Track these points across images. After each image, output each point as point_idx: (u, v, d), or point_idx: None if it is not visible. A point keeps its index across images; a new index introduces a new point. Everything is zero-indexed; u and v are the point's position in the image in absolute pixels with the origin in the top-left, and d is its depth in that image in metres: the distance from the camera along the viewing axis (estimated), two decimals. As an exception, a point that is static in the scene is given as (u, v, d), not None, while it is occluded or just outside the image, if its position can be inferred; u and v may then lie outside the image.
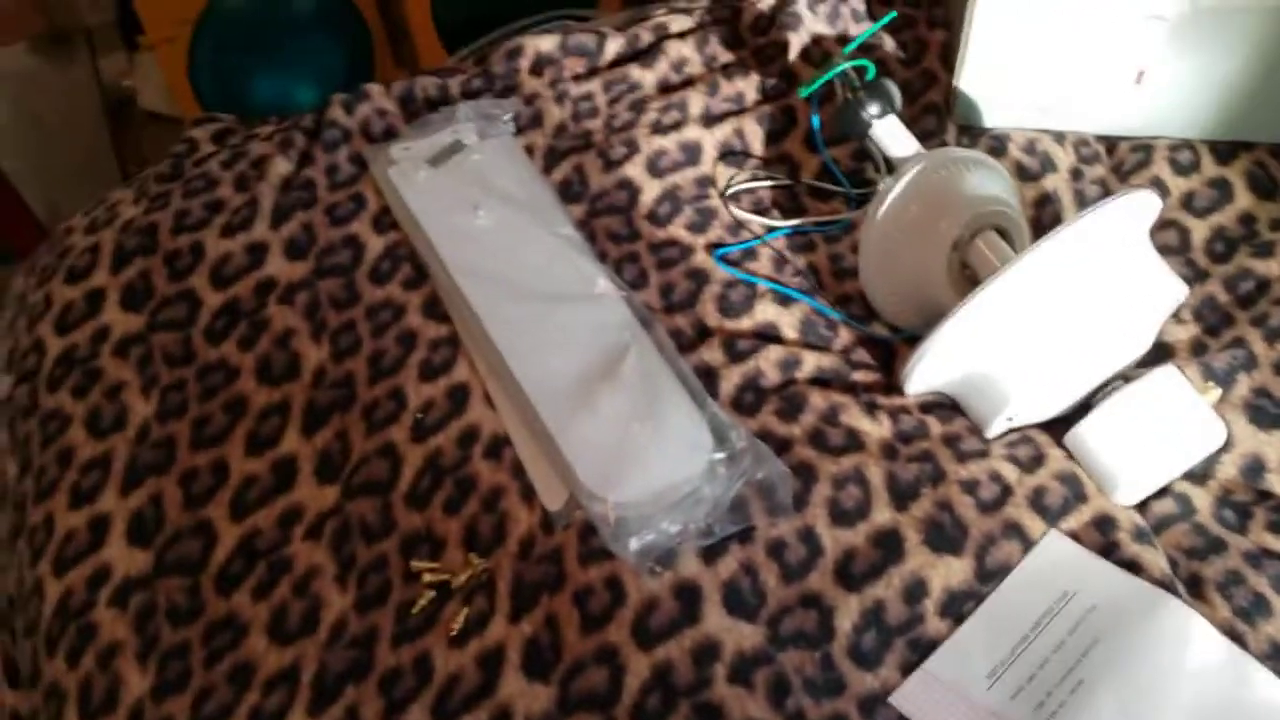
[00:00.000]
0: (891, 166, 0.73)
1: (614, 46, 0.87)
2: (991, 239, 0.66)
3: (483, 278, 0.71)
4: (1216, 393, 0.64)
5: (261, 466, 0.67)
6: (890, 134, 0.71)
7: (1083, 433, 0.62)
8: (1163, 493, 0.63)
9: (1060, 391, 0.63)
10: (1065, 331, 0.61)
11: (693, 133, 0.80)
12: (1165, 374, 0.62)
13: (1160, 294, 0.63)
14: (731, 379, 0.68)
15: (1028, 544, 0.60)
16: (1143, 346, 0.64)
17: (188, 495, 0.66)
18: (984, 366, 0.63)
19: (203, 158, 0.84)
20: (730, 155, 0.80)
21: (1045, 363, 0.61)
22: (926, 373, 0.64)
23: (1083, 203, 0.76)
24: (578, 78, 0.85)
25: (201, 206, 0.79)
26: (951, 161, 0.69)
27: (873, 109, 0.71)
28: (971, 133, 0.80)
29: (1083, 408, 0.63)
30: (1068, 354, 0.61)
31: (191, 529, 0.65)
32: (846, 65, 0.72)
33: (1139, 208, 0.62)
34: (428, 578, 0.61)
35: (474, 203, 0.75)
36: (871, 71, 0.72)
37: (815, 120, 0.78)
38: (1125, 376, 0.63)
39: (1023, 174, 0.78)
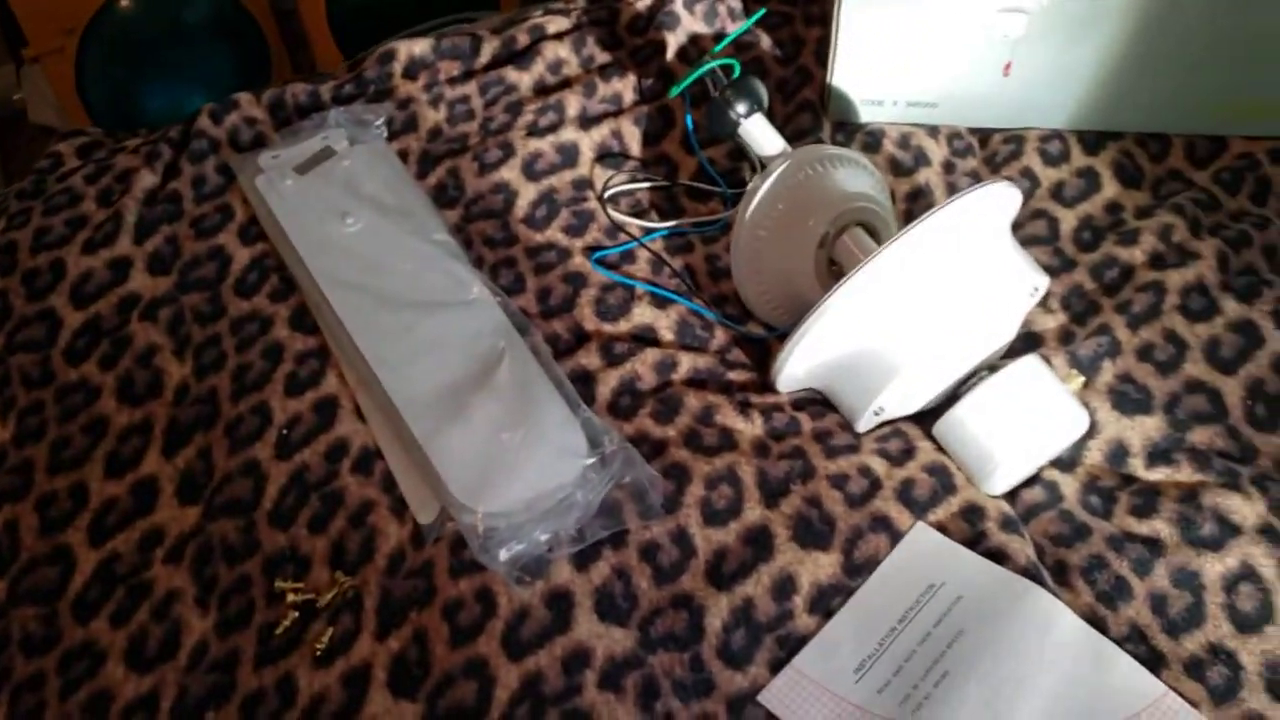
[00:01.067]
0: (764, 165, 0.73)
1: (490, 49, 0.86)
2: (857, 235, 0.66)
3: (351, 287, 0.70)
4: (1080, 380, 0.65)
5: (121, 489, 0.65)
6: (757, 133, 0.71)
7: (948, 424, 0.62)
8: (1032, 481, 0.64)
9: (925, 383, 0.63)
10: (926, 322, 0.61)
11: (569, 134, 0.79)
12: (1027, 364, 0.62)
13: (1023, 284, 0.63)
14: (609, 383, 0.68)
15: (896, 536, 0.60)
16: (1007, 337, 0.65)
17: (44, 521, 0.64)
18: (849, 361, 0.63)
19: (67, 173, 0.81)
20: (608, 157, 0.80)
21: (907, 354, 0.61)
22: (795, 369, 0.64)
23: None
24: (453, 81, 0.84)
25: (63, 223, 0.77)
26: (818, 159, 0.69)
27: (740, 108, 0.70)
28: (847, 129, 0.81)
29: (952, 399, 0.63)
30: (930, 345, 0.61)
31: (48, 555, 0.63)
32: (713, 64, 0.72)
33: (997, 199, 0.62)
34: (292, 598, 0.60)
35: (342, 210, 0.74)
36: (737, 70, 0.72)
37: (689, 120, 0.77)
38: (991, 367, 0.63)
39: (896, 169, 0.78)
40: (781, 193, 0.68)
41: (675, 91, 0.73)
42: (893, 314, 0.61)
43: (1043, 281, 0.64)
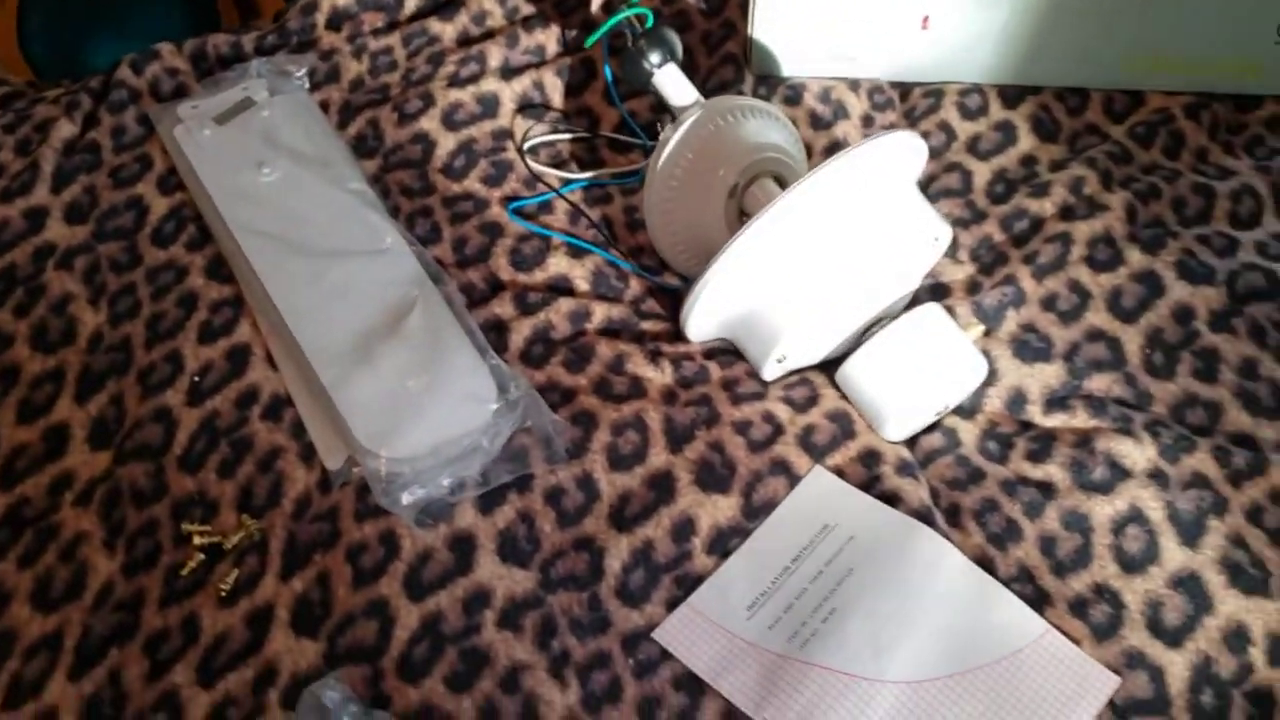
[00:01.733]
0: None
1: (414, 0, 0.85)
2: (767, 185, 0.67)
3: (265, 235, 0.70)
4: (980, 329, 0.66)
5: (33, 435, 0.65)
6: (670, 83, 0.71)
7: (847, 372, 0.63)
8: (933, 428, 0.65)
9: (827, 331, 0.64)
10: (827, 269, 0.61)
11: (491, 85, 0.79)
12: (926, 312, 0.63)
13: (924, 233, 0.64)
14: (522, 331, 0.68)
15: (794, 480, 0.62)
16: (910, 286, 0.66)
17: (-46, 468, 0.64)
18: (753, 308, 0.63)
19: (-14, 122, 0.81)
20: (529, 108, 0.80)
21: (807, 302, 0.62)
22: (702, 317, 0.65)
23: (872, 148, 0.77)
24: (376, 32, 0.84)
25: (-20, 172, 0.76)
26: (730, 110, 0.69)
27: (654, 58, 0.71)
28: (769, 83, 0.81)
29: (855, 348, 0.64)
30: (830, 292, 0.61)
31: (-43, 502, 0.63)
32: (628, 13, 0.72)
33: (899, 148, 0.63)
34: (198, 540, 0.60)
35: (259, 160, 0.74)
36: (651, 20, 0.72)
37: (608, 71, 0.78)
38: (894, 316, 0.64)
39: (816, 122, 0.78)
40: (692, 143, 0.68)
41: (591, 41, 0.73)
42: (793, 261, 0.61)
43: (944, 231, 0.65)
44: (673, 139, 0.68)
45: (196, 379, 0.66)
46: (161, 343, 0.68)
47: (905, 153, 0.64)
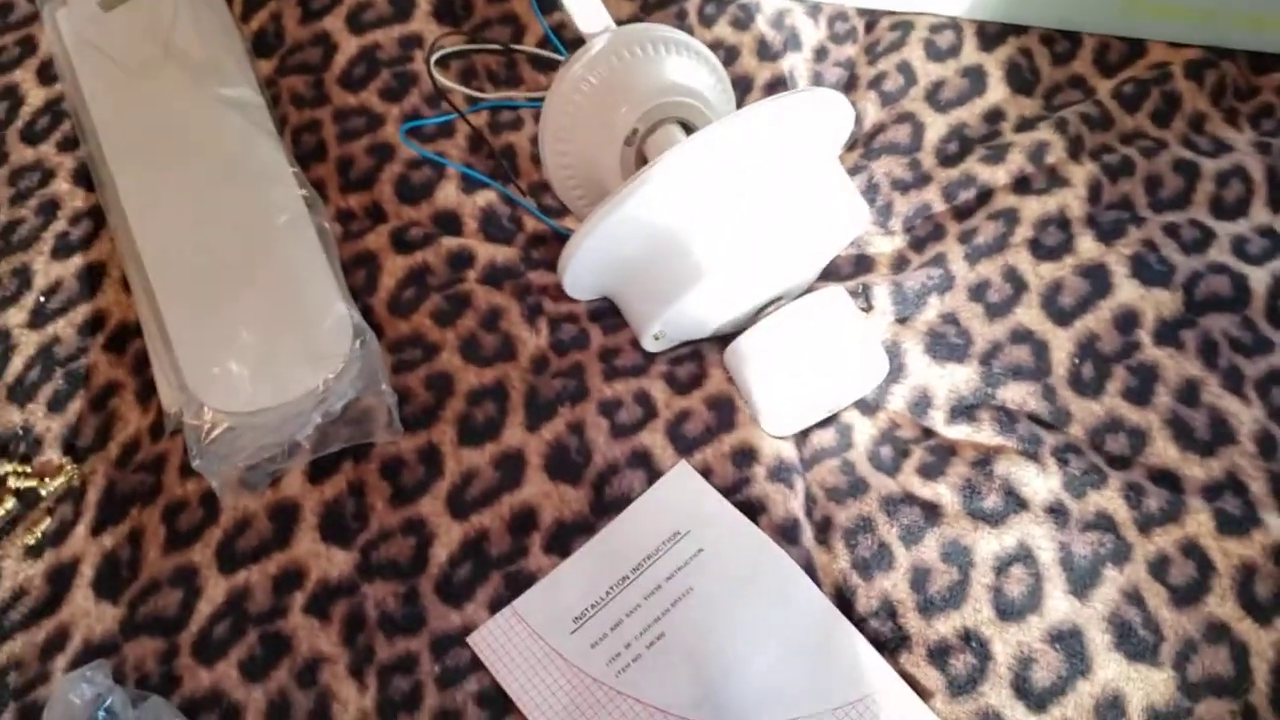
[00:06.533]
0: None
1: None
2: (670, 133, 0.59)
3: (129, 142, 0.64)
4: (888, 319, 0.58)
5: None
6: (578, 3, 0.62)
7: (733, 354, 0.57)
8: (829, 421, 0.58)
9: (711, 309, 0.57)
10: (715, 238, 0.54)
11: (406, -19, 0.71)
12: (828, 296, 0.56)
13: (837, 213, 0.56)
14: (395, 273, 0.62)
15: (654, 475, 0.56)
16: (814, 266, 0.58)
17: None
18: (635, 272, 0.56)
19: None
20: (446, 12, 0.72)
21: (691, 275, 0.54)
22: (580, 274, 0.58)
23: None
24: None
25: None
26: (643, 42, 0.61)
27: (562, -28, 0.62)
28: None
29: (747, 326, 0.57)
30: (717, 265, 0.54)
31: None
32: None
33: (822, 109, 0.54)
34: (14, 482, 0.57)
35: (140, 55, 0.67)
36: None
37: (528, -22, 0.69)
38: (795, 296, 0.57)
39: (763, 52, 0.70)
40: (593, 76, 0.60)
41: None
42: (683, 223, 0.54)
43: (864, 216, 0.57)
44: (572, 69, 0.60)
45: (43, 299, 0.62)
46: (13, 254, 0.63)
47: (828, 116, 0.56)
